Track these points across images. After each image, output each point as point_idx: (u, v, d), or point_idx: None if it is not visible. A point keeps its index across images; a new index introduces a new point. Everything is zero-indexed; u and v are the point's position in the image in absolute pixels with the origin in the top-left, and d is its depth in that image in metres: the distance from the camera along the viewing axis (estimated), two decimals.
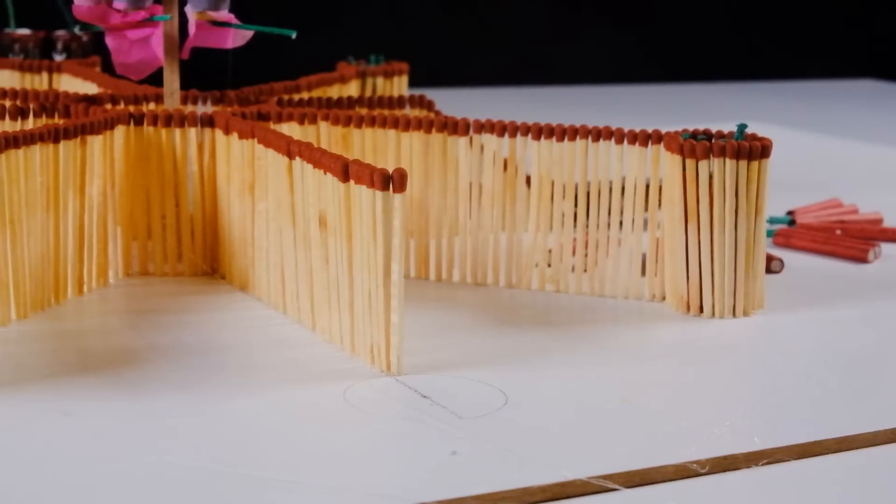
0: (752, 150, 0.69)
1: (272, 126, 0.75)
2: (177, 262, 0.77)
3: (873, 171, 1.25)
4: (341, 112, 0.78)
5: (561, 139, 0.74)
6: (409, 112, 0.85)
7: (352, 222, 0.60)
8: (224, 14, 0.77)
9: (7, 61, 0.96)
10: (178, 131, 0.76)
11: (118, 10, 0.76)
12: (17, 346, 0.63)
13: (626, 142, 0.73)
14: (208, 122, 0.76)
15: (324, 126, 0.77)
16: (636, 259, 0.74)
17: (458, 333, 0.68)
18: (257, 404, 0.56)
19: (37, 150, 0.67)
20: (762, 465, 0.51)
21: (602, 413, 0.56)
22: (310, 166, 0.64)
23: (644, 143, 0.73)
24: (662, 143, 0.72)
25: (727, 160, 0.69)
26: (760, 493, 0.49)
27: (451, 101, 1.22)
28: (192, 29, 0.77)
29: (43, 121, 0.76)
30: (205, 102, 0.82)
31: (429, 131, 0.76)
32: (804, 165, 1.22)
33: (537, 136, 0.74)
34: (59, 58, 1.02)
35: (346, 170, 0.60)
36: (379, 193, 0.58)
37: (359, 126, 0.77)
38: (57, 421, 0.54)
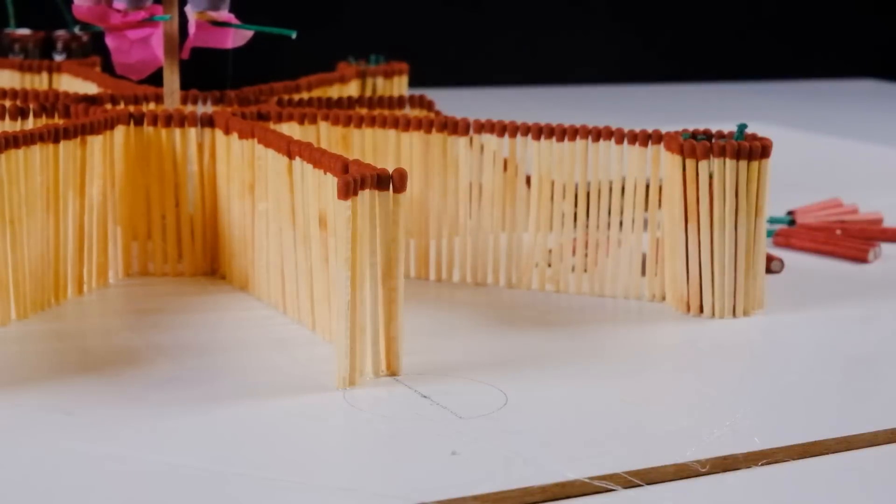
0: (752, 150, 0.69)
1: (272, 126, 0.75)
2: (177, 261, 0.77)
3: (873, 172, 1.24)
4: (341, 112, 0.78)
5: (561, 139, 0.74)
6: (409, 112, 0.85)
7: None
8: (224, 14, 0.77)
9: (7, 61, 0.96)
10: (178, 131, 0.76)
11: (118, 10, 0.76)
12: (17, 346, 0.63)
13: (626, 142, 0.73)
14: (208, 122, 0.76)
15: (324, 126, 0.77)
16: (636, 259, 0.74)
17: (458, 333, 0.68)
18: (257, 404, 0.56)
19: (37, 150, 0.67)
20: (762, 465, 0.51)
21: (602, 413, 0.56)
22: (310, 166, 0.64)
23: (644, 144, 0.73)
24: (662, 143, 0.72)
25: (727, 160, 0.69)
26: (760, 494, 0.49)
27: (451, 101, 1.22)
28: (192, 29, 0.77)
29: (43, 121, 0.76)
30: (205, 102, 0.82)
31: (429, 131, 0.76)
32: (804, 165, 1.22)
33: (537, 136, 0.74)
34: (59, 58, 1.02)
35: (346, 170, 0.60)
36: (379, 193, 0.58)
37: (359, 126, 0.77)
38: (57, 421, 0.54)
